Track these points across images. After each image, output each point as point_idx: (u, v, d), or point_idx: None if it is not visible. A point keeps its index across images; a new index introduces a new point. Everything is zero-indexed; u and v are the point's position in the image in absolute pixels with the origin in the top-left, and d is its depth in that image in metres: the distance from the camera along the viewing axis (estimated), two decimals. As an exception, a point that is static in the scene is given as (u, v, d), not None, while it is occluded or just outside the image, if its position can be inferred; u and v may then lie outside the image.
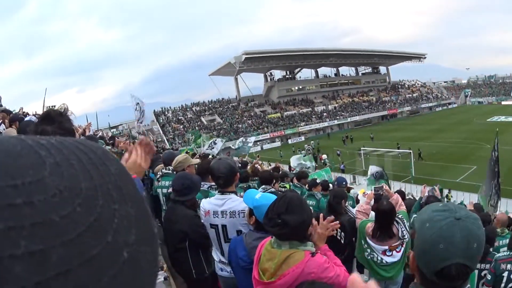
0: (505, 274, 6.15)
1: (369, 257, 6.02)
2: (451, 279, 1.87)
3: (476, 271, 6.24)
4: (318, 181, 12.41)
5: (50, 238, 0.45)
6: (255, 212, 4.02)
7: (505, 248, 7.07)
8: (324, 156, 55.51)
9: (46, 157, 0.52)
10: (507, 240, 7.38)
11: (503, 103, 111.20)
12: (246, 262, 3.99)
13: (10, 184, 0.46)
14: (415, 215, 6.56)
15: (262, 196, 3.95)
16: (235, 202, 4.86)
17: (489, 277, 6.26)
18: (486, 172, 21.13)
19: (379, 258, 5.91)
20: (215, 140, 39.40)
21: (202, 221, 5.10)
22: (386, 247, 5.81)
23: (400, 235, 5.70)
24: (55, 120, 3.20)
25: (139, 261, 0.55)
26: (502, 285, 6.15)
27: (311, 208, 3.98)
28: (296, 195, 3.50)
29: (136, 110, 32.05)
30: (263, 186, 9.24)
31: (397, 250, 5.76)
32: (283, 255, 3.14)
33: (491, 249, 6.75)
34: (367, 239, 6.00)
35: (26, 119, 8.42)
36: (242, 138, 40.42)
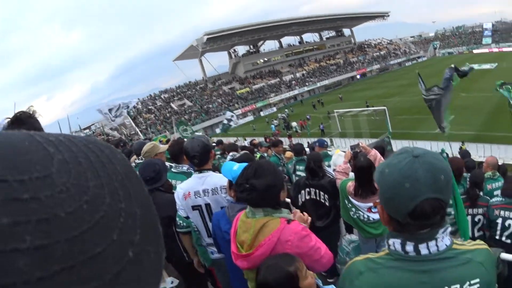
0: (499, 220, 6.21)
1: (355, 216, 6.00)
2: (427, 216, 1.81)
3: (469, 217, 6.22)
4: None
5: (55, 234, 0.45)
6: (235, 183, 3.89)
7: (498, 192, 7.11)
8: (294, 124, 55.90)
9: (55, 154, 0.52)
10: (499, 183, 7.68)
11: (474, 51, 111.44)
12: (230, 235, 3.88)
13: (18, 179, 0.46)
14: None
15: (240, 167, 3.81)
16: (215, 178, 4.80)
17: (484, 221, 6.40)
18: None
19: (365, 216, 5.90)
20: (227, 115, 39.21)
21: (181, 205, 4.89)
22: (371, 204, 5.79)
23: None
24: (26, 122, 3.15)
25: (143, 261, 0.55)
26: (498, 232, 6.22)
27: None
28: (266, 161, 3.73)
29: (110, 119, 31.69)
30: (231, 154, 9.64)
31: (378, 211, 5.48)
32: (257, 224, 3.09)
33: (481, 193, 6.73)
34: (350, 198, 5.96)
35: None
36: (225, 116, 40.43)
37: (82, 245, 0.47)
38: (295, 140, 41.41)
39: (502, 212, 6.23)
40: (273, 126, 61.54)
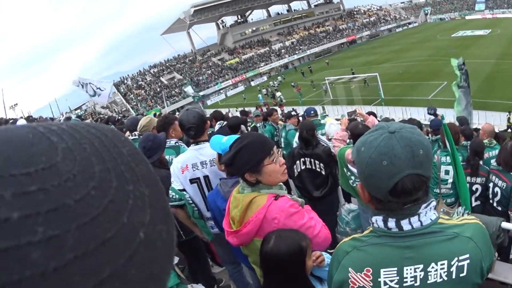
0: (491, 185, 6.32)
1: (354, 184, 5.95)
2: (409, 193, 1.78)
3: (467, 185, 6.07)
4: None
5: (66, 223, 0.46)
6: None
7: (494, 160, 7.10)
8: (278, 94, 55.95)
9: (58, 143, 0.52)
10: (496, 151, 7.51)
11: (467, 17, 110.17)
12: None
13: (24, 172, 0.46)
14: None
15: (229, 139, 3.80)
16: (211, 149, 4.62)
17: (482, 190, 6.45)
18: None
19: None
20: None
21: (180, 179, 4.85)
22: None
23: None
24: None
25: (155, 241, 0.56)
26: (490, 196, 6.34)
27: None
28: (256, 133, 3.63)
29: (88, 91, 31.76)
30: (219, 122, 9.60)
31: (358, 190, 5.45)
32: (245, 200, 3.08)
33: (481, 162, 6.72)
34: (349, 166, 5.94)
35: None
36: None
37: (93, 232, 0.47)
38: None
39: (493, 177, 6.29)
40: (260, 96, 61.46)
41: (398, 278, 1.87)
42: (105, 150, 0.56)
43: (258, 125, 12.21)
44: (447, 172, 6.47)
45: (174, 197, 4.76)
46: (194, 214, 4.86)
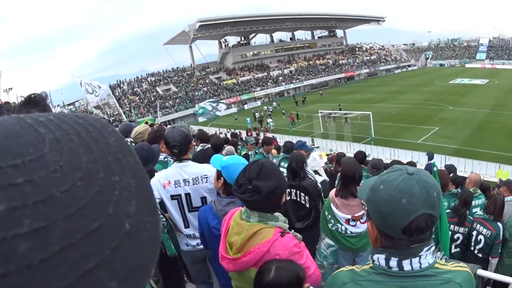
0: (474, 233, 6.52)
1: (333, 228, 5.98)
2: (422, 231, 1.87)
3: (449, 233, 6.23)
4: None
5: (52, 214, 0.46)
6: (224, 173, 3.98)
7: (477, 209, 7.45)
8: (269, 120, 56.45)
9: (46, 134, 0.52)
10: (480, 201, 7.84)
11: (467, 65, 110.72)
12: (219, 230, 3.81)
13: (11, 164, 0.46)
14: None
15: (229, 157, 3.95)
16: (195, 168, 4.89)
17: (463, 240, 6.64)
18: None
19: (343, 229, 5.88)
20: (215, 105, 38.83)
21: (160, 194, 4.90)
22: (349, 216, 5.79)
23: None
24: (40, 103, 3.14)
25: (140, 232, 0.56)
26: (472, 243, 6.55)
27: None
28: (268, 160, 3.48)
29: (88, 92, 31.88)
30: (202, 144, 9.70)
31: (362, 221, 5.73)
32: (250, 230, 3.03)
33: (467, 212, 6.83)
34: (332, 206, 5.95)
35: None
36: (210, 102, 39.86)
37: (80, 222, 0.47)
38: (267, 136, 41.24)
39: (478, 226, 6.49)
40: (248, 119, 61.70)
41: None
42: (92, 141, 0.56)
43: (250, 153, 12.09)
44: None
45: None
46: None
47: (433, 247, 2.00)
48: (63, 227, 0.46)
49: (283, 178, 3.24)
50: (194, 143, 12.36)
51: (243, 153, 11.83)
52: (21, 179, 0.46)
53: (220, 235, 3.66)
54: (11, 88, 55.72)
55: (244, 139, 20.72)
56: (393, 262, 1.93)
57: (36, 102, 3.04)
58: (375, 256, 2.02)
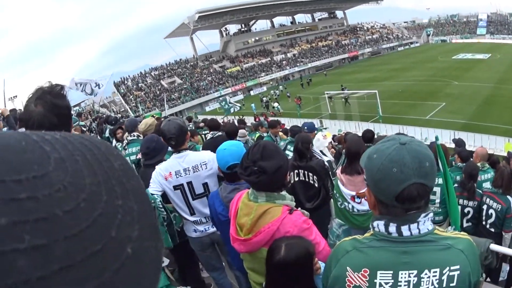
0: (484, 207, 6.48)
1: (342, 206, 6.06)
2: (413, 200, 1.94)
3: (459, 207, 6.03)
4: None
5: (53, 233, 0.45)
6: (217, 159, 4.15)
7: (487, 184, 7.39)
8: (276, 104, 56.53)
9: (51, 152, 0.52)
10: (489, 175, 7.80)
11: (468, 41, 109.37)
12: (225, 216, 3.97)
13: (15, 179, 0.46)
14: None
15: (229, 151, 4.05)
16: (193, 156, 4.99)
17: (474, 213, 6.60)
18: None
19: (350, 207, 5.95)
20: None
21: (163, 186, 5.01)
22: (354, 193, 5.85)
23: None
24: (66, 98, 3.03)
25: (142, 257, 0.55)
26: (483, 218, 6.49)
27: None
28: (269, 141, 3.63)
29: (86, 89, 31.95)
30: (212, 132, 9.68)
31: (366, 198, 5.58)
32: (259, 209, 3.10)
33: (475, 185, 6.84)
34: (338, 183, 6.05)
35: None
36: (222, 99, 40.54)
37: (81, 244, 0.47)
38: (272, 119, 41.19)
39: (487, 200, 6.44)
40: (252, 105, 61.41)
41: (393, 281, 2.00)
42: (97, 163, 0.56)
43: (264, 135, 12.16)
44: (433, 193, 6.50)
45: None
46: (159, 219, 4.95)
47: (431, 214, 2.08)
48: (63, 247, 0.45)
49: (286, 157, 3.31)
50: (206, 132, 12.52)
51: (255, 137, 11.97)
52: (24, 194, 0.45)
53: (226, 220, 3.81)
54: (16, 96, 55.87)
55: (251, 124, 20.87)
56: (392, 228, 2.01)
57: (64, 96, 2.98)
58: (375, 223, 2.11)
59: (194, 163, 4.87)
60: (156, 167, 5.15)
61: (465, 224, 6.59)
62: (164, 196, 5.07)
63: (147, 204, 0.62)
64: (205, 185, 4.94)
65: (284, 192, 3.26)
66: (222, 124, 16.19)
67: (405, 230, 1.99)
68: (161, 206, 4.91)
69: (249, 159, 3.11)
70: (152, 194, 4.87)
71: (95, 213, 0.50)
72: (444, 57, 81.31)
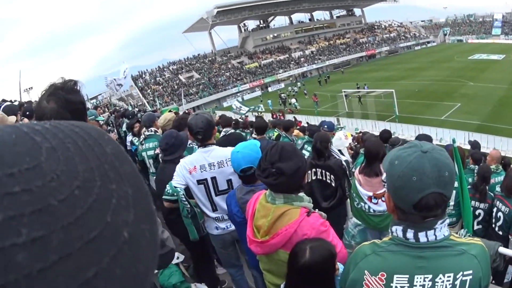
0: (494, 210, 6.45)
1: (358, 206, 6.10)
2: (430, 209, 1.96)
3: (471, 209, 5.99)
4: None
5: (50, 224, 0.45)
6: (231, 160, 4.17)
7: (499, 186, 7.23)
8: (293, 100, 57.01)
9: (42, 143, 0.52)
10: (501, 178, 7.71)
11: (483, 41, 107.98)
12: (240, 217, 4.00)
13: (7, 173, 0.46)
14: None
15: (242, 154, 4.01)
16: (220, 151, 4.91)
17: (484, 216, 6.57)
18: None
19: (367, 207, 5.96)
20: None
21: (186, 180, 4.98)
22: (371, 193, 5.86)
23: (383, 177, 5.63)
24: (80, 93, 3.04)
25: (139, 240, 0.55)
26: (493, 220, 6.47)
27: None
28: (287, 142, 3.56)
29: (111, 85, 32.29)
30: (225, 130, 9.52)
31: (383, 199, 5.72)
32: (277, 211, 3.06)
33: (487, 188, 6.82)
34: (356, 183, 6.07)
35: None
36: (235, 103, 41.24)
37: (78, 232, 0.47)
38: (289, 116, 41.34)
39: (498, 202, 6.42)
40: (269, 101, 61.72)
41: (408, 285, 2.03)
42: (89, 149, 0.56)
43: (283, 134, 11.82)
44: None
45: (168, 191, 4.93)
46: (183, 212, 5.02)
47: (448, 220, 2.09)
48: (61, 236, 0.45)
49: (304, 158, 3.27)
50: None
51: (271, 134, 11.83)
52: (18, 188, 0.45)
53: (241, 221, 3.86)
54: (32, 88, 55.97)
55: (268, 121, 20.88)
56: (410, 234, 2.03)
57: (77, 91, 2.96)
58: (393, 228, 2.13)
59: (219, 159, 4.84)
60: (181, 160, 5.14)
61: (475, 227, 6.56)
62: (187, 192, 5.05)
63: (142, 188, 0.62)
64: (229, 181, 4.91)
65: (301, 194, 3.23)
66: (241, 120, 16.18)
67: (422, 236, 2.02)
68: (184, 199, 4.92)
69: (267, 160, 3.09)
70: (175, 187, 4.89)
71: (89, 200, 0.50)
72: (460, 57, 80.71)
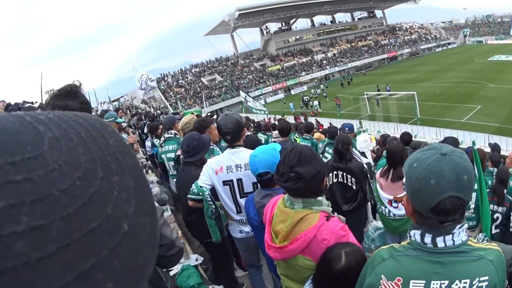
0: None
1: (380, 210, 6.11)
2: (448, 213, 1.92)
3: (490, 212, 6.07)
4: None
5: (50, 213, 0.45)
6: (249, 163, 4.13)
7: None
8: (316, 102, 57.03)
9: (45, 132, 0.52)
10: None
11: (502, 42, 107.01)
12: (257, 221, 3.99)
13: (9, 161, 0.46)
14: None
15: (261, 157, 3.97)
16: (247, 153, 4.75)
17: (503, 219, 6.39)
18: None
19: (387, 211, 5.96)
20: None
21: (212, 180, 4.96)
22: (391, 197, 5.85)
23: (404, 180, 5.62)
24: (78, 95, 3.07)
25: (139, 233, 0.55)
26: (511, 223, 6.31)
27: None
28: (306, 145, 3.34)
29: (140, 80, 32.15)
30: None
31: (403, 203, 5.65)
32: (296, 216, 3.01)
33: (505, 191, 6.67)
34: (377, 186, 6.09)
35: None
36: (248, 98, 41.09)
37: (78, 222, 0.47)
38: (311, 120, 41.44)
39: None
40: (291, 104, 62.07)
41: None
42: (91, 140, 0.56)
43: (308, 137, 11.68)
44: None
45: (193, 190, 4.89)
46: (207, 212, 4.98)
47: (466, 225, 2.05)
48: (60, 226, 0.45)
49: (323, 161, 3.20)
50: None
51: (299, 140, 11.45)
52: (19, 176, 0.45)
53: (258, 226, 3.84)
54: (53, 89, 56.46)
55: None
56: (428, 239, 2.00)
57: (74, 94, 3.01)
58: (412, 232, 2.10)
59: (247, 161, 4.63)
60: (208, 160, 5.17)
61: (493, 230, 6.45)
62: (213, 194, 5.01)
63: (143, 180, 0.62)
64: (255, 184, 4.81)
65: (320, 198, 3.16)
66: (263, 123, 16.16)
67: (440, 241, 1.99)
68: (209, 199, 4.88)
69: (286, 164, 3.03)
70: (201, 187, 4.86)
71: (91, 191, 0.50)
72: (480, 58, 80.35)
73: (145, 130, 13.32)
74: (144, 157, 12.84)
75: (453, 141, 7.50)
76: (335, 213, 3.18)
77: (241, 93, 45.48)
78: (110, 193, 0.53)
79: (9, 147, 0.48)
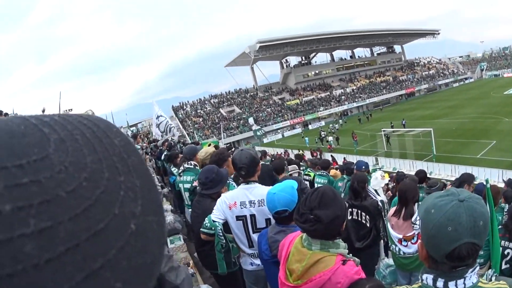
0: None
1: (391, 248, 6.12)
2: (463, 259, 1.94)
3: (500, 249, 5.99)
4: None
5: (58, 215, 0.46)
6: (266, 201, 4.12)
7: None
8: (330, 138, 57.06)
9: (50, 134, 0.53)
10: None
11: None
12: (268, 255, 4.01)
13: (16, 164, 0.46)
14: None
15: (279, 196, 3.95)
16: (262, 190, 4.81)
17: (511, 254, 6.26)
18: None
19: (397, 249, 5.97)
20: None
21: (225, 215, 4.96)
22: (401, 236, 5.87)
23: (413, 219, 5.75)
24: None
25: (146, 232, 0.55)
26: None
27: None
28: (329, 188, 3.30)
29: (158, 120, 31.91)
30: None
31: (413, 241, 5.79)
32: (313, 257, 3.01)
33: None
34: (388, 225, 6.12)
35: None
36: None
37: (85, 223, 0.47)
38: (327, 155, 41.72)
39: None
40: (306, 139, 62.12)
41: None
42: (97, 141, 0.57)
43: (324, 173, 11.58)
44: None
45: (206, 224, 4.90)
46: (217, 246, 4.95)
47: (478, 268, 2.06)
48: (68, 227, 0.46)
49: (344, 205, 3.18)
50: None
51: (307, 173, 11.78)
52: (27, 179, 0.46)
53: (269, 260, 3.88)
54: (71, 109, 56.70)
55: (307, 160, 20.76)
56: (440, 283, 2.01)
57: None
58: (424, 276, 2.10)
59: (260, 197, 4.73)
60: (222, 195, 5.13)
61: (503, 266, 6.30)
62: (225, 225, 5.00)
63: (149, 180, 0.62)
64: (268, 221, 4.79)
65: (338, 240, 3.15)
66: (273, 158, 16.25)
67: (451, 285, 1.99)
68: (221, 234, 4.87)
69: (306, 205, 3.03)
70: (213, 221, 4.87)
71: (97, 191, 0.51)
72: (496, 92, 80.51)
73: (162, 157, 13.42)
74: (160, 184, 12.78)
75: (469, 177, 7.56)
76: (350, 255, 3.16)
77: (250, 119, 45.61)
78: (116, 193, 0.53)
79: (15, 149, 0.48)
